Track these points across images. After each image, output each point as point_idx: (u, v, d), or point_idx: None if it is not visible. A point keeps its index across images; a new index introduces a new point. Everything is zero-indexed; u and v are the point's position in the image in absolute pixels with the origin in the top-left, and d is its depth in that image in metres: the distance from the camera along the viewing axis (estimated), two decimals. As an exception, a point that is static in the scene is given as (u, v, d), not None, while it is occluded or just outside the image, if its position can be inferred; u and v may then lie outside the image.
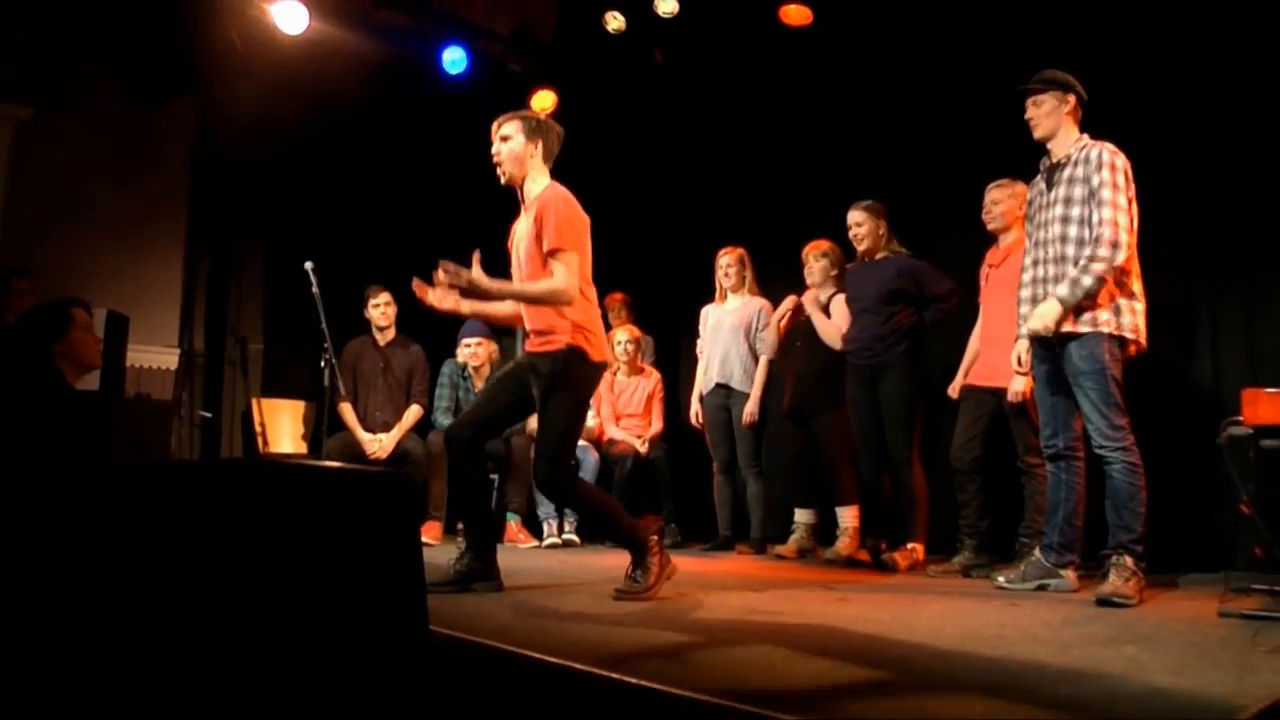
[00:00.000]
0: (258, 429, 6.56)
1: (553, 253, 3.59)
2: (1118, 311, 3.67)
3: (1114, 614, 3.26)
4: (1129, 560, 3.54)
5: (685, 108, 6.85)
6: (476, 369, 6.23)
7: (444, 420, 6.18)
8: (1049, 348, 3.78)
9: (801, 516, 5.56)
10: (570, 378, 3.62)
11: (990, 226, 4.78)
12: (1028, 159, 4.05)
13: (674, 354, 7.25)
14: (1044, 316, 3.66)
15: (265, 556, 1.60)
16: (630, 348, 6.54)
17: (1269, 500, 4.18)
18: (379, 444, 5.97)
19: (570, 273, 3.59)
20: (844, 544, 5.22)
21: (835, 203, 5.37)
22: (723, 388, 5.91)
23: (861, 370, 5.10)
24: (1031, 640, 2.69)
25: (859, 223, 5.14)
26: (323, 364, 5.77)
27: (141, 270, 6.52)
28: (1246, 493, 3.27)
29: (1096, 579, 3.65)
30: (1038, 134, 3.89)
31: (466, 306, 3.78)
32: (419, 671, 1.47)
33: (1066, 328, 3.69)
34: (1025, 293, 3.93)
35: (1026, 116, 3.90)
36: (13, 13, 6.01)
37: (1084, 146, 3.78)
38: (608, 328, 6.75)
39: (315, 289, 5.64)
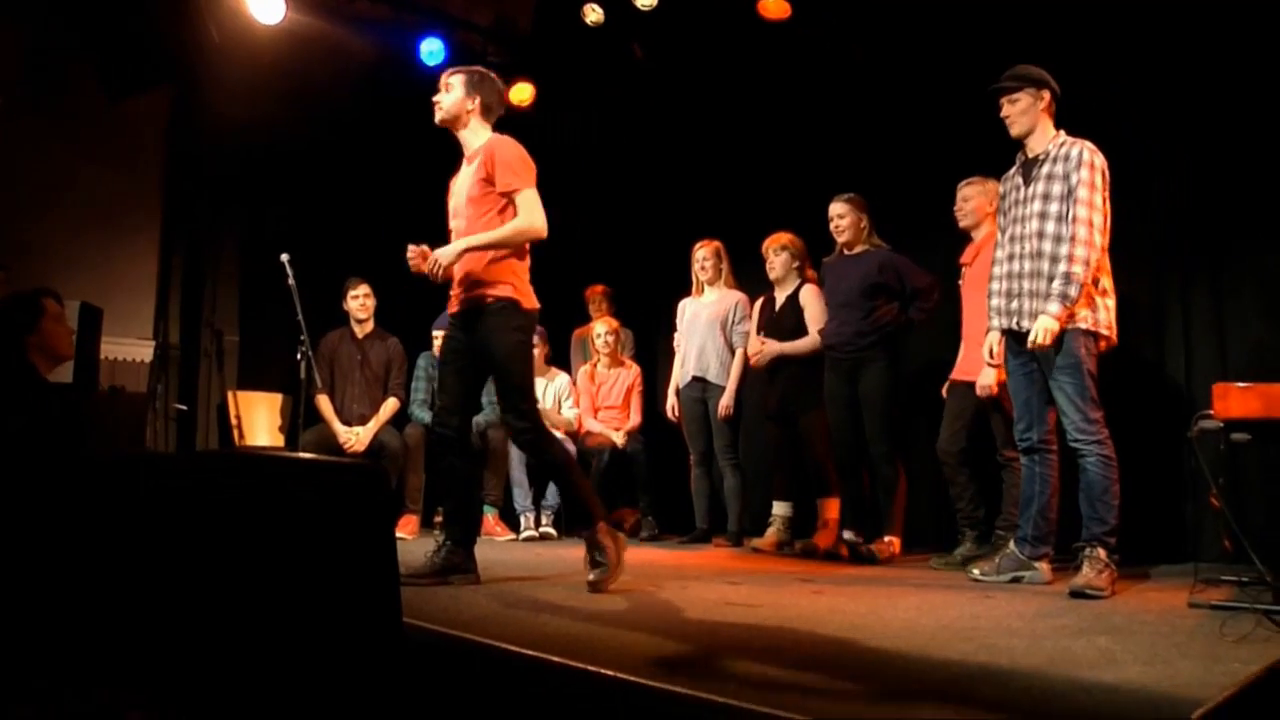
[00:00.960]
0: (234, 422, 6.53)
1: (512, 192, 3.67)
2: (1093, 308, 3.70)
3: (1086, 606, 3.29)
4: (1102, 552, 3.58)
5: (664, 101, 6.85)
6: (446, 361, 6.20)
7: (420, 413, 6.17)
8: (1024, 342, 3.81)
9: (779, 509, 5.57)
10: (509, 324, 3.68)
11: (962, 223, 4.81)
12: (1003, 154, 4.07)
13: (652, 347, 7.26)
14: (1044, 333, 3.64)
15: (238, 548, 1.60)
16: (610, 340, 6.53)
17: (1238, 493, 4.24)
18: (355, 437, 5.95)
19: (536, 207, 3.67)
20: (822, 537, 5.24)
21: (812, 196, 5.39)
22: (699, 381, 5.92)
23: (841, 364, 5.12)
24: (1005, 632, 2.72)
25: (841, 215, 5.16)
26: (299, 356, 5.74)
27: (116, 262, 6.45)
28: (1216, 486, 3.31)
29: (1070, 571, 3.68)
30: (1014, 131, 3.90)
31: (458, 270, 3.78)
32: (392, 663, 1.47)
33: None
34: (998, 285, 3.95)
35: (1002, 114, 3.91)
36: (-16, 1, 5.95)
37: (1062, 144, 3.80)
38: (587, 320, 6.76)
39: (291, 281, 5.60)
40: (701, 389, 5.92)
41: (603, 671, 2.01)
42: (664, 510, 6.42)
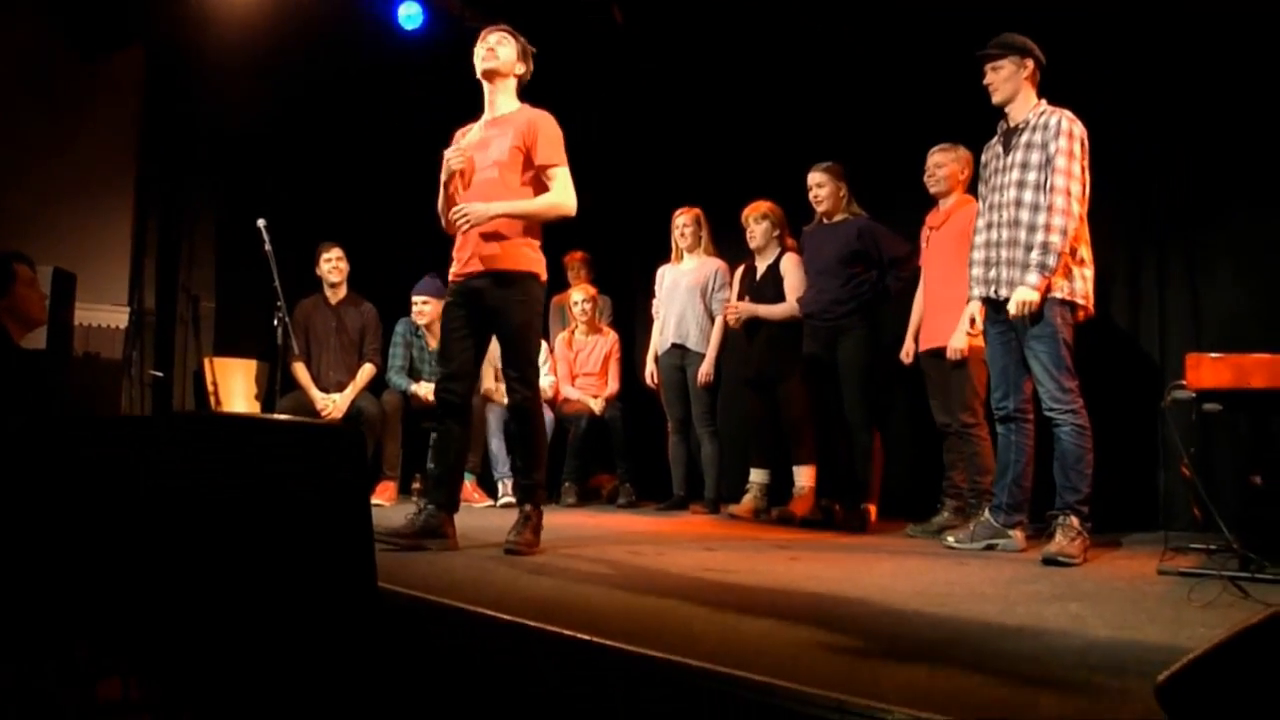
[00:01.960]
0: (210, 388, 6.48)
1: (549, 167, 3.75)
2: (1070, 278, 3.72)
3: (1059, 572, 3.34)
4: (1074, 520, 3.62)
5: (645, 66, 6.79)
6: (428, 327, 6.17)
7: (399, 380, 6.16)
8: (1002, 311, 3.83)
9: (756, 476, 5.60)
10: (529, 295, 3.77)
11: (932, 190, 4.81)
12: (984, 123, 4.07)
13: (630, 314, 7.25)
14: (1023, 304, 3.65)
15: (212, 508, 1.59)
16: (588, 307, 6.52)
17: (1208, 462, 4.29)
18: (333, 403, 5.93)
19: (570, 185, 3.77)
20: (799, 504, 5.27)
21: (792, 165, 5.38)
22: (678, 348, 5.93)
23: (819, 332, 5.14)
24: (978, 598, 2.75)
25: (819, 184, 5.15)
26: (276, 323, 5.69)
27: (89, 227, 6.37)
28: (1187, 455, 3.35)
29: (1043, 539, 3.72)
30: (996, 99, 3.90)
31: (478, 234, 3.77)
32: (366, 626, 1.48)
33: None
34: (979, 254, 3.96)
35: (985, 82, 3.90)
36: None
37: (1042, 112, 3.80)
38: (565, 287, 6.75)
39: (268, 246, 5.55)
40: (680, 356, 5.93)
41: (578, 636, 2.03)
42: (641, 477, 6.44)
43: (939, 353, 4.66)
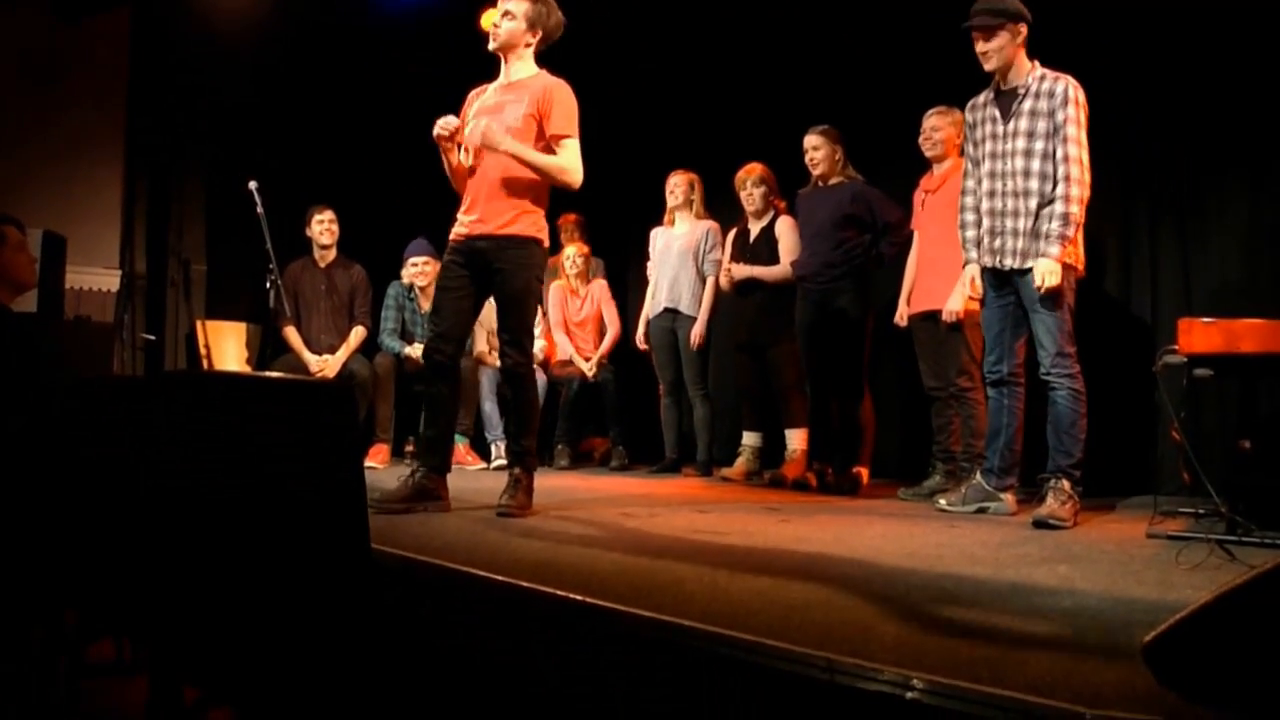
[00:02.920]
0: (202, 351, 6.48)
1: (561, 137, 3.73)
2: (1073, 243, 3.72)
3: (1049, 535, 3.36)
4: (1066, 484, 3.63)
5: (640, 30, 6.74)
6: (423, 289, 6.15)
7: (391, 342, 6.15)
8: (1005, 280, 3.82)
9: (748, 439, 5.62)
10: (532, 261, 3.77)
11: (928, 153, 4.79)
12: (976, 85, 4.03)
13: (624, 276, 7.24)
14: (1049, 274, 3.63)
15: (203, 467, 1.59)
16: (580, 261, 6.54)
17: (1198, 427, 4.31)
18: (326, 365, 5.92)
19: (578, 159, 3.75)
20: (790, 467, 5.29)
21: (786, 129, 5.35)
22: (670, 311, 5.92)
23: (811, 295, 5.13)
24: (969, 560, 2.77)
25: (815, 147, 5.12)
26: (268, 285, 5.67)
27: (79, 190, 6.34)
28: (1177, 419, 3.36)
29: (1034, 502, 3.74)
30: (990, 66, 3.83)
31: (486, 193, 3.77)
32: (359, 587, 1.48)
33: (1028, 263, 3.72)
34: (972, 217, 3.94)
35: (979, 50, 3.83)
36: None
37: (1042, 77, 3.76)
38: (559, 248, 6.73)
39: (260, 209, 5.51)
40: (672, 319, 5.92)
41: (570, 596, 2.04)
42: (634, 440, 6.45)
43: (931, 315, 4.66)
